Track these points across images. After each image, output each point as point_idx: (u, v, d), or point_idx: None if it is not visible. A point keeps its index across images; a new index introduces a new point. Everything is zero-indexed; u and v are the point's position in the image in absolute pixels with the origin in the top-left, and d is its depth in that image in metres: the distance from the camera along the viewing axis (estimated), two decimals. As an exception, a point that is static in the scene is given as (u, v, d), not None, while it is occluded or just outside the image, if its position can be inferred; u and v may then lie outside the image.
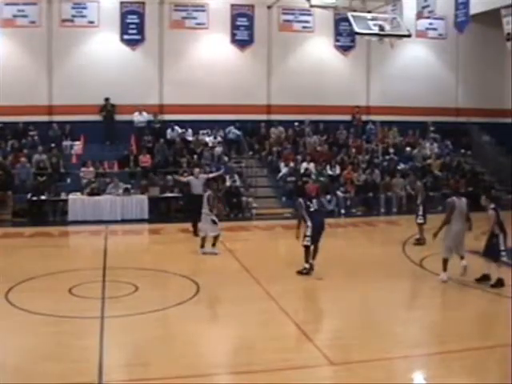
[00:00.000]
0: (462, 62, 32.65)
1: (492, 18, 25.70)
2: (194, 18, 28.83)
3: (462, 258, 14.91)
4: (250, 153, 28.82)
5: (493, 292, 14.09)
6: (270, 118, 30.10)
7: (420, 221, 19.85)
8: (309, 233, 15.48)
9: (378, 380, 9.18)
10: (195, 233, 20.48)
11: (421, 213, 19.90)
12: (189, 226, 21.09)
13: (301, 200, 16.13)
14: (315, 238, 15.53)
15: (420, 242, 19.67)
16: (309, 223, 15.56)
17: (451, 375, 9.47)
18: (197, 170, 22.18)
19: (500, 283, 14.28)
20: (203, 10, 28.82)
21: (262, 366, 9.64)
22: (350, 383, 9.21)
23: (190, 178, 21.57)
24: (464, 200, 15.14)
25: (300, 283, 14.88)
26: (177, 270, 15.77)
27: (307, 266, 15.59)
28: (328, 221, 22.10)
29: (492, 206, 14.64)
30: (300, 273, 15.53)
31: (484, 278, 14.62)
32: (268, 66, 30.10)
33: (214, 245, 18.16)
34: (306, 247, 15.57)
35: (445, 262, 14.92)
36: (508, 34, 23.83)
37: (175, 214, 24.16)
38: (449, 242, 14.87)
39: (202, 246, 18.18)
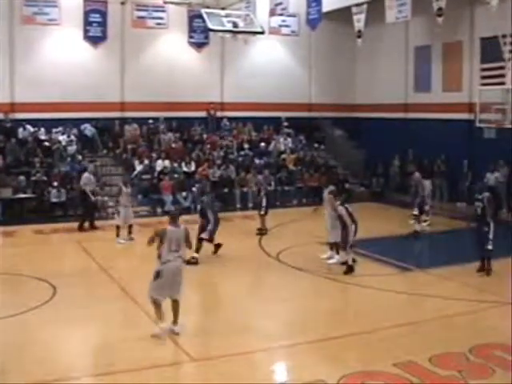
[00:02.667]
0: (314, 59, 33.54)
1: (343, 15, 26.35)
2: (46, 14, 28.02)
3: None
4: (105, 151, 28.48)
5: (343, 282, 14.90)
6: (124, 115, 29.79)
7: (262, 212, 21.12)
8: (210, 227, 16.99)
9: (239, 374, 9.57)
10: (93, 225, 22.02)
11: (264, 204, 21.09)
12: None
13: (205, 197, 17.96)
14: (215, 231, 17.17)
15: (262, 232, 20.99)
16: (211, 218, 17.11)
17: (313, 364, 9.98)
18: (91, 165, 23.75)
19: (350, 269, 15.64)
20: (55, 6, 28.14)
21: (124, 366, 9.83)
22: (211, 378, 9.51)
23: (86, 175, 22.29)
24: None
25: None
26: (32, 272, 15.59)
27: (196, 255, 16.53)
28: (185, 217, 22.54)
29: (338, 202, 15.78)
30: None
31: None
32: (121, 62, 29.78)
33: (130, 233, 20.13)
34: (205, 240, 17.05)
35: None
36: (359, 31, 24.61)
37: (29, 215, 23.59)
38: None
39: (118, 236, 19.84)
